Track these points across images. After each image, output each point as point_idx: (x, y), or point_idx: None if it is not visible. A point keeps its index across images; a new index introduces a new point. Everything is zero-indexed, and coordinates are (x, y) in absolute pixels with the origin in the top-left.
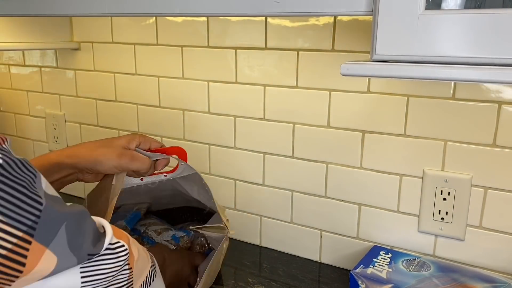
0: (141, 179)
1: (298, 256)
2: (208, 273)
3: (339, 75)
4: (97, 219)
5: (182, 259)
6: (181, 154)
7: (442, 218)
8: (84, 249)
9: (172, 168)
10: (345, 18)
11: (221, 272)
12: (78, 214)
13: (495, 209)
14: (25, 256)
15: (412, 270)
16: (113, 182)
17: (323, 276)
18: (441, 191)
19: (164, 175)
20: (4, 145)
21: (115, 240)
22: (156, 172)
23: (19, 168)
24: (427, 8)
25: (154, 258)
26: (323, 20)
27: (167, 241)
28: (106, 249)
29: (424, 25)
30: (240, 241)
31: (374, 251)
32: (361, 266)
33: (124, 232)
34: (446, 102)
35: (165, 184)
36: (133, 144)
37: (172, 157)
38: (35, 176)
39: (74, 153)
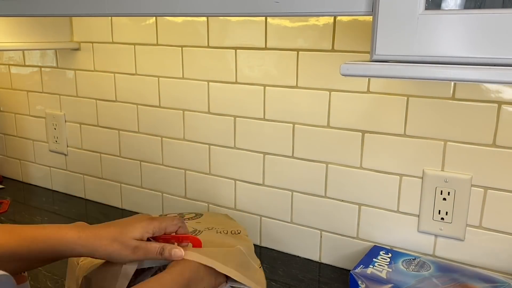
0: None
1: (298, 256)
2: None
3: (339, 75)
4: None
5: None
6: (196, 245)
7: (442, 218)
8: None
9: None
10: (345, 18)
11: None
12: None
13: (495, 209)
14: None
15: (412, 270)
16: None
17: (323, 276)
18: (441, 191)
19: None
20: None
21: None
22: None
23: None
24: (427, 8)
25: None
26: (323, 20)
27: None
28: None
29: (424, 25)
30: None
31: (374, 251)
32: (361, 266)
33: None
34: (446, 102)
35: None
36: (147, 235)
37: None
38: None
39: (89, 243)
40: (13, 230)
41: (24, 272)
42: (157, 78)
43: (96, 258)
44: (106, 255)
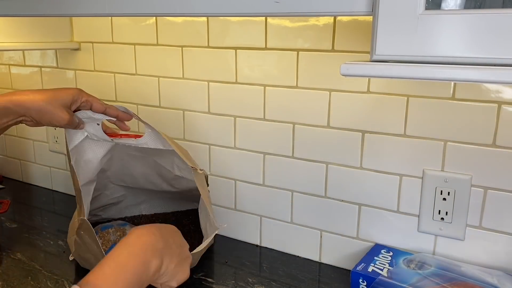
0: (112, 140)
1: (298, 256)
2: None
3: (339, 75)
4: None
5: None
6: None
7: (442, 218)
8: None
9: (136, 133)
10: (345, 18)
11: (221, 272)
12: None
13: (495, 209)
14: None
15: (413, 269)
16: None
17: (323, 276)
18: (441, 191)
19: (133, 139)
20: None
21: None
22: (123, 133)
23: None
24: (427, 8)
25: None
26: (323, 20)
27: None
28: None
29: (424, 25)
30: (240, 241)
31: (375, 250)
32: (362, 264)
33: None
34: (446, 102)
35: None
36: (75, 105)
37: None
38: None
39: (23, 102)
40: None
41: None
42: (157, 78)
43: (27, 117)
44: (39, 116)
